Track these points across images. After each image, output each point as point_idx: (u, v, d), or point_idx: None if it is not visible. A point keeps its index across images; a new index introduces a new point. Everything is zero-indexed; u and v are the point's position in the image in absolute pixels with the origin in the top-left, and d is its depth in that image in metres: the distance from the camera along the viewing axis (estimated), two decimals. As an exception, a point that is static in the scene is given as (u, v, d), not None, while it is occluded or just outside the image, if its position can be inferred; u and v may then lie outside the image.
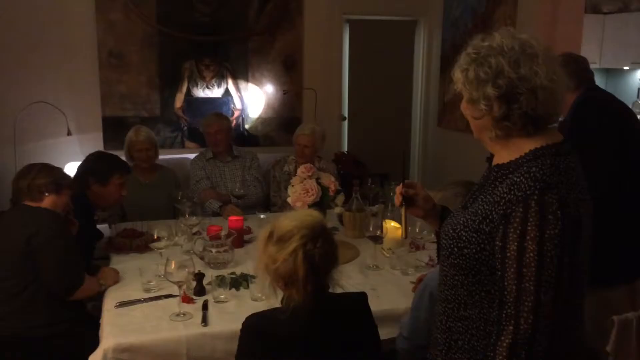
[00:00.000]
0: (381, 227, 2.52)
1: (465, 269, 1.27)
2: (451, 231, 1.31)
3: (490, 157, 1.41)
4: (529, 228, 1.14)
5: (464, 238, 1.26)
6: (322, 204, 2.62)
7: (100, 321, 2.01)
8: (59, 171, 2.41)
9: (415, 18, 5.25)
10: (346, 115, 5.29)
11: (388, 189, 3.06)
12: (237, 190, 3.29)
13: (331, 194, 2.59)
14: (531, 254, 1.13)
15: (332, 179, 2.66)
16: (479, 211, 1.25)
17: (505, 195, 1.19)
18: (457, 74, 1.28)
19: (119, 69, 4.41)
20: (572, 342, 1.23)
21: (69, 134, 4.19)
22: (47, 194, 2.28)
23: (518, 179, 1.18)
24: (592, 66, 2.69)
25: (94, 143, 4.44)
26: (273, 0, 4.66)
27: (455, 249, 1.28)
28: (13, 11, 4.14)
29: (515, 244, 1.15)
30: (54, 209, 2.28)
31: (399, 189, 1.59)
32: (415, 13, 5.18)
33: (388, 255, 2.60)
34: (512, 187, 1.18)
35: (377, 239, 2.53)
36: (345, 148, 5.27)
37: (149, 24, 4.41)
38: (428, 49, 5.23)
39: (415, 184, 1.61)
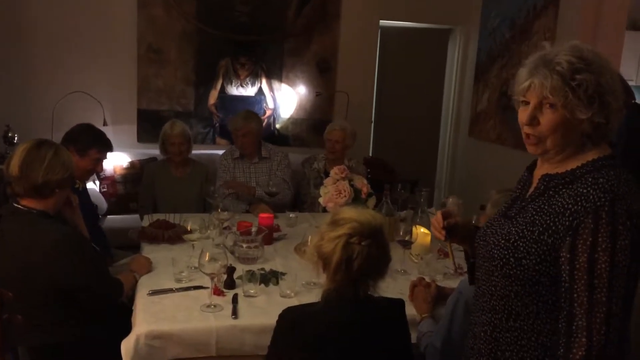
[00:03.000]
0: (411, 233, 2.52)
1: (522, 280, 1.25)
2: (503, 241, 1.29)
3: (531, 166, 1.40)
4: (600, 239, 1.13)
5: (521, 249, 1.24)
6: (353, 205, 2.63)
7: (133, 307, 2.05)
8: (68, 155, 2.09)
9: (450, 26, 5.24)
10: (372, 119, 5.30)
11: (419, 195, 3.06)
12: (269, 187, 3.29)
13: (363, 196, 2.60)
14: (603, 265, 1.13)
15: (365, 181, 2.67)
16: (537, 222, 1.24)
17: (570, 206, 1.18)
18: (556, 83, 1.19)
19: (157, 64, 4.50)
20: (626, 352, 1.22)
21: (105, 124, 4.28)
22: (57, 191, 2.03)
23: (585, 190, 1.17)
24: (628, 83, 2.67)
25: (128, 134, 4.55)
26: (311, 3, 4.70)
27: (512, 259, 1.26)
28: (56, 3, 4.26)
29: (586, 255, 1.14)
30: (54, 206, 2.06)
31: (438, 221, 1.53)
32: (451, 21, 5.17)
33: (416, 261, 2.60)
34: (578, 198, 1.18)
35: (406, 244, 2.53)
36: (370, 152, 5.28)
37: (188, 21, 4.49)
38: (463, 58, 5.21)
39: (452, 211, 1.57)
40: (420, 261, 2.57)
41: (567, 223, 1.17)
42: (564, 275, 1.18)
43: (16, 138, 4.03)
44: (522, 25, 4.30)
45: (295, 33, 4.72)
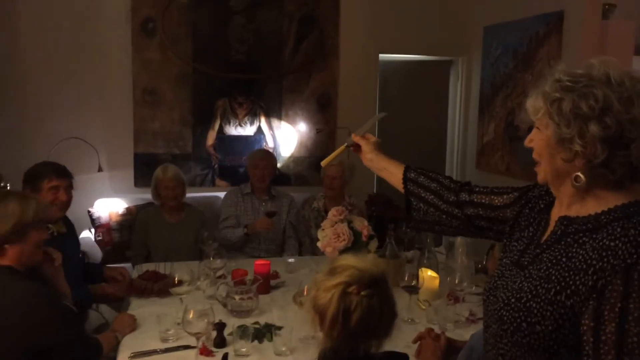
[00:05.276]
0: (417, 277, 2.34)
1: (537, 350, 1.05)
2: (514, 300, 1.09)
3: (550, 203, 1.20)
4: (632, 306, 0.93)
5: (535, 311, 1.04)
6: (353, 249, 2.46)
7: (113, 373, 1.87)
8: (16, 205, 1.90)
9: (451, 58, 5.13)
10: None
11: (425, 234, 2.88)
12: (269, 206, 3.37)
13: (364, 239, 2.44)
14: (634, 338, 0.92)
15: (365, 223, 2.51)
16: (553, 277, 1.04)
17: (594, 262, 0.98)
18: (539, 103, 1.07)
19: (153, 106, 4.41)
20: None
21: (99, 170, 4.17)
22: (7, 246, 1.86)
23: (613, 243, 0.98)
24: None
25: (125, 179, 4.43)
26: (309, 39, 4.63)
27: (524, 324, 1.06)
28: (51, 46, 4.20)
29: (613, 324, 0.94)
30: (19, 262, 1.89)
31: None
32: (452, 53, 5.07)
33: (424, 307, 2.41)
34: (604, 253, 0.98)
35: (413, 290, 2.35)
36: (375, 188, 5.11)
37: (184, 62, 4.41)
38: (466, 89, 5.09)
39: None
40: (429, 307, 2.38)
41: (590, 283, 0.98)
42: (587, 348, 0.98)
43: (8, 187, 3.92)
44: (525, 54, 4.18)
45: (293, 70, 4.63)
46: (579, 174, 1.04)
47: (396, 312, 1.41)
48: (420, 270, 2.44)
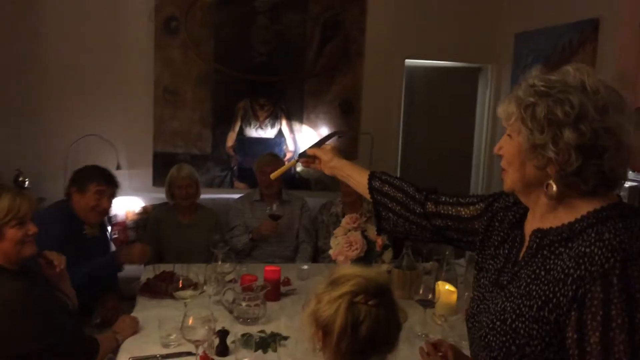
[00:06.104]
0: (433, 290, 2.23)
1: None
2: (498, 323, 1.03)
3: (522, 218, 1.16)
4: (614, 312, 0.88)
5: (521, 332, 0.99)
6: (367, 259, 2.35)
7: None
8: None
9: (481, 65, 4.99)
10: (399, 162, 5.02)
11: (444, 246, 2.76)
12: (274, 209, 3.23)
13: (378, 249, 2.33)
14: (621, 347, 0.87)
15: (381, 232, 2.40)
16: (534, 293, 0.98)
17: (572, 271, 0.93)
18: (511, 108, 1.04)
19: (173, 105, 4.37)
20: None
21: (118, 168, 4.14)
22: None
23: (588, 249, 0.93)
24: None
25: (143, 178, 4.40)
26: (333, 43, 4.54)
27: (513, 347, 1.00)
28: (72, 43, 4.20)
29: (597, 334, 0.89)
30: (7, 260, 1.83)
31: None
32: (481, 60, 4.93)
33: (440, 322, 2.29)
34: (580, 260, 0.93)
35: (428, 304, 2.24)
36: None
37: (206, 63, 4.37)
38: (495, 97, 4.94)
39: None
40: (444, 323, 2.26)
41: (570, 293, 0.93)
42: None
43: (27, 183, 3.92)
44: (557, 63, 4.00)
45: (316, 73, 4.55)
46: (551, 182, 1.00)
47: (401, 324, 1.34)
48: (437, 283, 2.33)
